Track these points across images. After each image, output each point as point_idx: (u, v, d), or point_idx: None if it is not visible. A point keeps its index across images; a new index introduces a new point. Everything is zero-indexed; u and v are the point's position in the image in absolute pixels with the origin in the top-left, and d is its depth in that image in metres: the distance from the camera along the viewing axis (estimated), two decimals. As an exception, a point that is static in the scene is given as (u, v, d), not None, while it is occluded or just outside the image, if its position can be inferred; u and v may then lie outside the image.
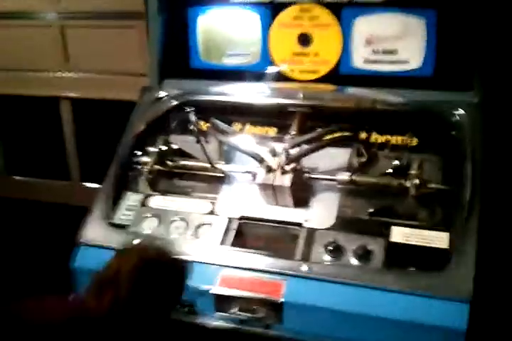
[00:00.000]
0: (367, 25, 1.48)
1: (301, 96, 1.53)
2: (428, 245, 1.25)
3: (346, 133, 1.42)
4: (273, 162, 1.36)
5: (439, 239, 1.25)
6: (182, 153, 1.50)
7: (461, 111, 1.41)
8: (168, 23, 1.63)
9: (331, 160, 1.43)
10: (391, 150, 1.40)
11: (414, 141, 1.43)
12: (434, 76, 1.47)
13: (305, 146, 1.40)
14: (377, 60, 1.51)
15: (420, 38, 1.45)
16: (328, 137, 1.42)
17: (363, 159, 1.41)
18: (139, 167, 1.49)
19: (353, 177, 1.34)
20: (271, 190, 1.35)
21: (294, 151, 1.38)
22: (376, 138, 1.46)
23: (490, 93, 1.44)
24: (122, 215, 1.42)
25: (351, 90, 1.54)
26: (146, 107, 1.60)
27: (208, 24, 1.61)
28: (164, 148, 1.47)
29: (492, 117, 1.41)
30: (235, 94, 1.59)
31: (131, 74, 2.11)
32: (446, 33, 1.42)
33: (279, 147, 1.39)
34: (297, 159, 1.37)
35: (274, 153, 1.38)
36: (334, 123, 1.47)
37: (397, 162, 1.37)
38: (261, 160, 1.36)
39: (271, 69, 1.58)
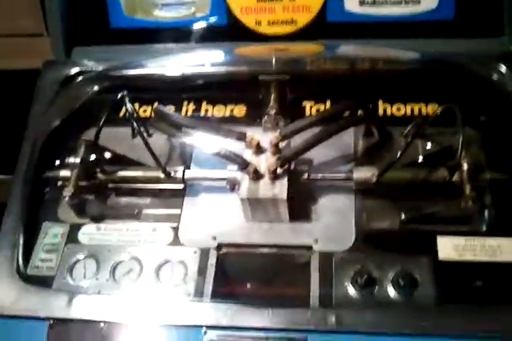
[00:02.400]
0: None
1: (274, 58, 1.09)
2: (492, 260, 0.88)
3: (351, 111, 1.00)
4: (259, 163, 0.92)
5: (503, 249, 0.89)
6: (118, 159, 1.01)
7: (500, 65, 1.04)
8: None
9: (329, 146, 1.01)
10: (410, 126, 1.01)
11: (439, 110, 1.04)
12: (455, 19, 1.08)
13: (298, 137, 0.96)
14: (378, 1, 1.09)
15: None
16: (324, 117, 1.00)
17: (374, 141, 1.03)
18: (58, 184, 1.00)
19: (376, 174, 0.93)
20: (259, 203, 0.92)
21: (284, 144, 0.96)
22: (385, 108, 1.06)
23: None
24: (40, 261, 0.94)
25: (344, 45, 1.12)
26: (52, 92, 1.09)
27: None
28: (91, 153, 0.98)
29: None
30: (179, 63, 1.13)
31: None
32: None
33: (262, 138, 0.96)
34: (292, 157, 0.94)
35: (257, 150, 0.94)
36: (324, 92, 1.08)
37: (429, 144, 0.99)
38: (243, 164, 0.91)
39: (227, 23, 1.13)
